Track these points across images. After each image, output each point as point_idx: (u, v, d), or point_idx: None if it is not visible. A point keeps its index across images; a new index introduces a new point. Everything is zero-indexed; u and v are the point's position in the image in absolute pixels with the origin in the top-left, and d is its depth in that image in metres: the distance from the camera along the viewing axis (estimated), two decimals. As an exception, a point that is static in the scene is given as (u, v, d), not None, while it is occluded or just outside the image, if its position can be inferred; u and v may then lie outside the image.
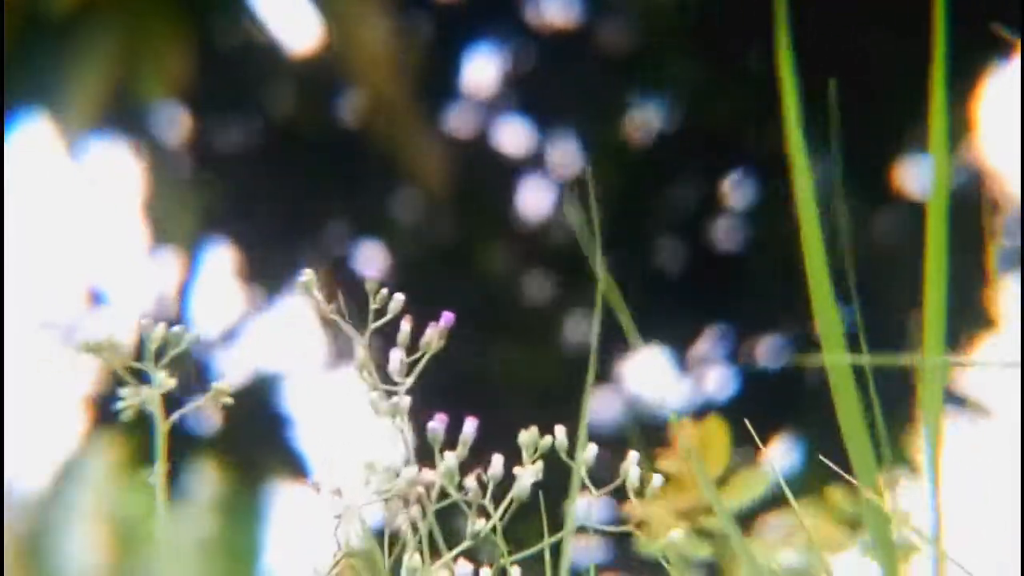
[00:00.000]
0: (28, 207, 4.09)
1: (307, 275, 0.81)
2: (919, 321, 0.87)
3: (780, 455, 3.75)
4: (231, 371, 3.95)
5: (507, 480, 0.79)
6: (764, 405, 3.86)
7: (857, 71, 3.54)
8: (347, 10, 3.62)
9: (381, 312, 0.80)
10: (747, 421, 0.98)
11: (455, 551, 0.77)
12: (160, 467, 0.82)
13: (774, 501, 1.04)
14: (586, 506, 0.79)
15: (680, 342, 3.99)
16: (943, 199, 0.81)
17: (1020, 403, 1.03)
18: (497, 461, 0.77)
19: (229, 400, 0.82)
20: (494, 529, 0.76)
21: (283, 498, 3.90)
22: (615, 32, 3.99)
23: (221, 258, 4.04)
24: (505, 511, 0.76)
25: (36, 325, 4.03)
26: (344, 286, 0.82)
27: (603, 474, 0.79)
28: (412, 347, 0.80)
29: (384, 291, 0.80)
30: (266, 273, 3.93)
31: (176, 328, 0.83)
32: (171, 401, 0.83)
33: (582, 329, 3.71)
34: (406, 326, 0.79)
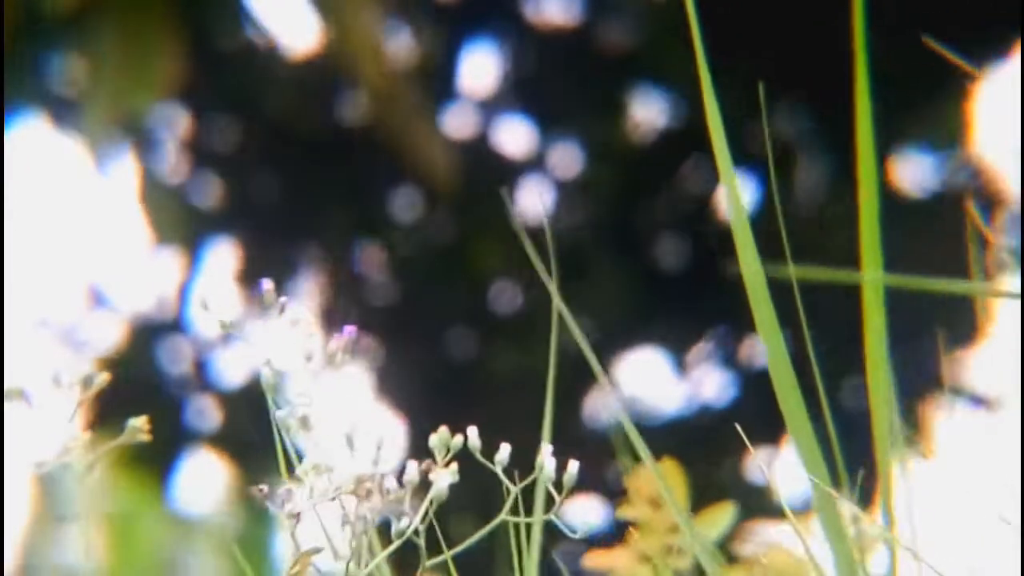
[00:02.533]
0: (27, 206, 4.09)
1: (200, 295, 0.82)
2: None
3: (780, 458, 3.75)
4: (230, 370, 3.95)
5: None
6: (763, 408, 3.85)
7: (852, 69, 3.53)
8: (347, 8, 3.63)
9: (282, 321, 0.81)
10: (739, 427, 0.98)
11: (383, 553, 0.78)
12: (84, 522, 0.83)
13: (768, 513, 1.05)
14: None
15: (679, 344, 3.99)
16: (877, 258, 0.81)
17: (1020, 399, 1.03)
18: (412, 466, 0.78)
19: (146, 437, 0.83)
20: (416, 532, 0.77)
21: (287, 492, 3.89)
22: (615, 31, 3.99)
23: (221, 258, 4.04)
24: (425, 513, 0.77)
25: (34, 324, 4.03)
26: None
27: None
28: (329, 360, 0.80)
29: (282, 300, 0.81)
30: (266, 273, 3.93)
31: (87, 372, 0.84)
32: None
33: (580, 329, 3.70)
34: (314, 340, 0.80)
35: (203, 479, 4.09)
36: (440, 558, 0.79)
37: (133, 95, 3.55)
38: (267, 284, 0.80)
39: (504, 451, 0.80)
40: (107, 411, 0.89)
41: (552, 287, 0.85)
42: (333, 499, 0.76)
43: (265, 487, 0.77)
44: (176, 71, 3.53)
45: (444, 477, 0.77)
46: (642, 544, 1.03)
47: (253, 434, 3.85)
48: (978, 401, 3.46)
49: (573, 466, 0.80)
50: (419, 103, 3.76)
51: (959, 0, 2.99)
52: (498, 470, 0.79)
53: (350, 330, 0.80)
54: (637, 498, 1.04)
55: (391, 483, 0.77)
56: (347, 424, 0.78)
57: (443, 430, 0.79)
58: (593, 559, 1.04)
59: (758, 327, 0.82)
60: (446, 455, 0.79)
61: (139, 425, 0.83)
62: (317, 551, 0.76)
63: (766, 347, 0.82)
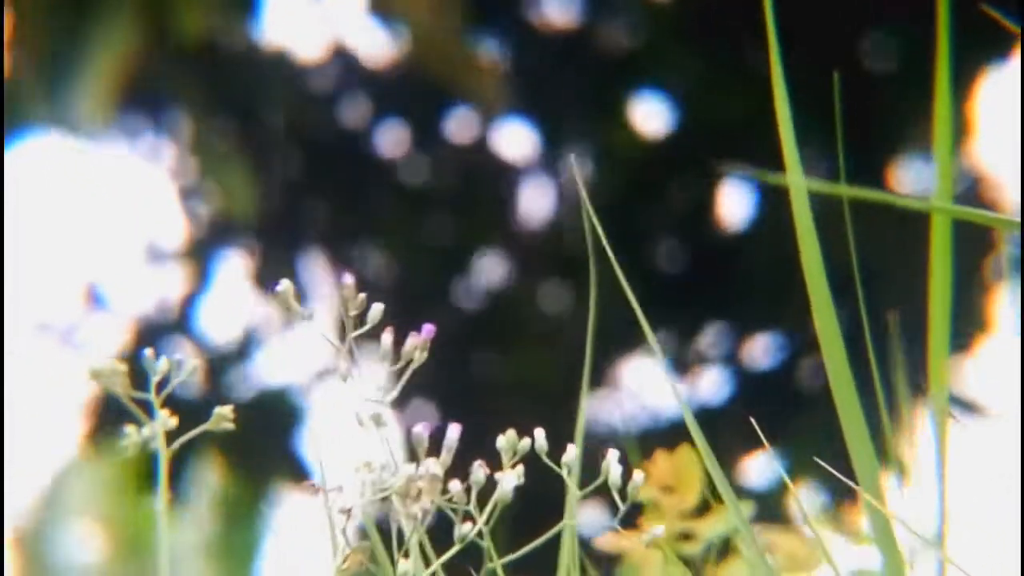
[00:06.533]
0: (29, 207, 4.09)
1: (284, 286, 0.82)
2: (917, 321, 0.88)
3: (775, 457, 3.75)
4: (241, 379, 3.95)
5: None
6: (762, 406, 3.86)
7: (855, 73, 3.54)
8: None
9: (360, 320, 0.81)
10: (737, 429, 0.99)
11: (444, 556, 0.77)
12: (163, 496, 0.84)
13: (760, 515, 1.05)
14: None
15: (678, 342, 3.99)
16: (947, 198, 0.82)
17: (1020, 403, 1.04)
18: (478, 468, 0.78)
19: (231, 425, 0.84)
20: (480, 534, 0.77)
21: (288, 501, 3.91)
22: (615, 32, 3.99)
23: (231, 263, 4.04)
24: (490, 515, 0.77)
25: (35, 327, 4.03)
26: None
27: (597, 477, 0.79)
28: (396, 358, 0.80)
29: (362, 297, 0.80)
30: (276, 278, 3.92)
31: (177, 357, 0.84)
32: (180, 407, 0.85)
33: (585, 332, 3.70)
34: (387, 338, 0.79)
35: (209, 484, 4.08)
36: (495, 564, 0.79)
37: (137, 94, 3.55)
38: (348, 279, 0.80)
39: (571, 452, 0.80)
40: (109, 416, 0.90)
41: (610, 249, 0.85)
42: (384, 498, 0.76)
43: (316, 482, 0.77)
44: (181, 72, 3.52)
45: (509, 479, 0.77)
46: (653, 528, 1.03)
47: (262, 440, 3.85)
48: (971, 407, 3.46)
49: (638, 476, 0.80)
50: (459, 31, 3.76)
51: (959, 0, 2.98)
52: (564, 473, 0.79)
53: (428, 329, 0.80)
54: (652, 482, 1.04)
55: (454, 485, 0.77)
56: (408, 422, 0.78)
57: (511, 432, 0.79)
58: (604, 542, 1.04)
59: (815, 314, 0.82)
60: (512, 456, 0.78)
61: (225, 413, 0.83)
62: (367, 548, 0.76)
63: (820, 336, 0.82)
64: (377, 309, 0.80)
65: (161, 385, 0.83)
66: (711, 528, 1.04)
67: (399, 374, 0.79)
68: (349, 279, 0.80)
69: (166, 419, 0.83)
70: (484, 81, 3.80)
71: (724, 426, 3.78)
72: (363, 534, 0.78)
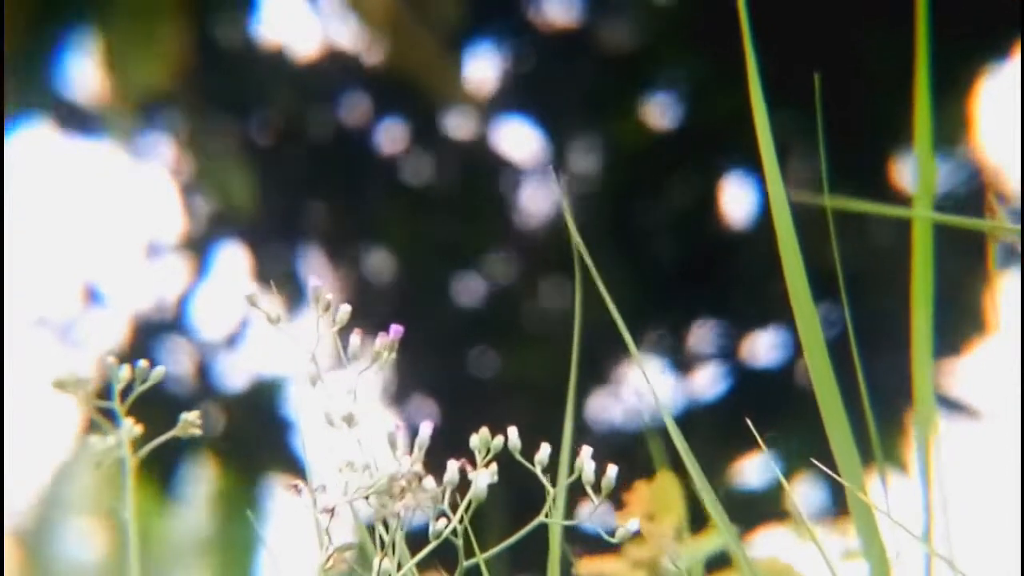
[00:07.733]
0: (27, 204, 4.09)
1: (251, 289, 0.82)
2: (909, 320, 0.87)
3: (771, 457, 3.75)
4: (234, 374, 3.95)
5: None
6: (757, 403, 3.86)
7: (855, 68, 3.54)
8: None
9: (330, 321, 0.81)
10: (746, 420, 0.98)
11: (419, 555, 0.78)
12: (130, 504, 0.83)
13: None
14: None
15: (674, 339, 3.99)
16: (929, 195, 0.81)
17: (1020, 404, 1.03)
18: (452, 466, 0.78)
19: (198, 431, 0.84)
20: (455, 532, 0.77)
21: (281, 498, 3.91)
22: (615, 32, 3.99)
23: (226, 259, 4.04)
24: (464, 513, 0.77)
25: (33, 323, 4.03)
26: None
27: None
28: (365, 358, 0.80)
29: (328, 298, 0.81)
30: (269, 275, 3.93)
31: (141, 365, 0.84)
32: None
33: (587, 330, 3.70)
34: (355, 339, 0.80)
35: (200, 480, 4.09)
36: (472, 560, 0.79)
37: (136, 92, 3.55)
38: (314, 281, 0.80)
39: (544, 451, 0.80)
40: (104, 413, 0.89)
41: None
42: (367, 497, 0.76)
43: (299, 483, 0.77)
44: (179, 69, 3.52)
45: (483, 477, 0.77)
46: (636, 552, 1.04)
47: (255, 438, 3.85)
48: (964, 410, 3.46)
49: (612, 470, 0.80)
50: (439, 46, 3.75)
51: (959, 0, 2.99)
52: (538, 471, 0.79)
53: (396, 329, 0.80)
54: (634, 511, 1.05)
55: (429, 483, 0.77)
56: (384, 422, 0.78)
57: (484, 430, 0.79)
58: (586, 567, 1.04)
59: (795, 311, 0.82)
60: (486, 455, 0.78)
61: (192, 419, 0.83)
62: (351, 547, 0.76)
63: (802, 335, 0.82)
64: (345, 310, 0.80)
65: (126, 392, 0.83)
66: (694, 550, 1.04)
67: (378, 374, 0.79)
68: (318, 282, 0.80)
69: (131, 427, 0.83)
70: (470, 91, 3.80)
71: (721, 423, 3.78)
72: (368, 532, 0.78)
